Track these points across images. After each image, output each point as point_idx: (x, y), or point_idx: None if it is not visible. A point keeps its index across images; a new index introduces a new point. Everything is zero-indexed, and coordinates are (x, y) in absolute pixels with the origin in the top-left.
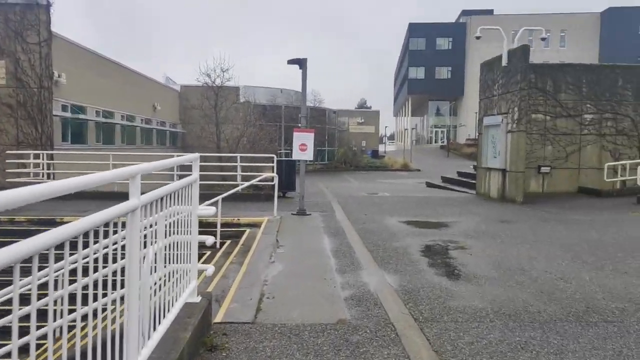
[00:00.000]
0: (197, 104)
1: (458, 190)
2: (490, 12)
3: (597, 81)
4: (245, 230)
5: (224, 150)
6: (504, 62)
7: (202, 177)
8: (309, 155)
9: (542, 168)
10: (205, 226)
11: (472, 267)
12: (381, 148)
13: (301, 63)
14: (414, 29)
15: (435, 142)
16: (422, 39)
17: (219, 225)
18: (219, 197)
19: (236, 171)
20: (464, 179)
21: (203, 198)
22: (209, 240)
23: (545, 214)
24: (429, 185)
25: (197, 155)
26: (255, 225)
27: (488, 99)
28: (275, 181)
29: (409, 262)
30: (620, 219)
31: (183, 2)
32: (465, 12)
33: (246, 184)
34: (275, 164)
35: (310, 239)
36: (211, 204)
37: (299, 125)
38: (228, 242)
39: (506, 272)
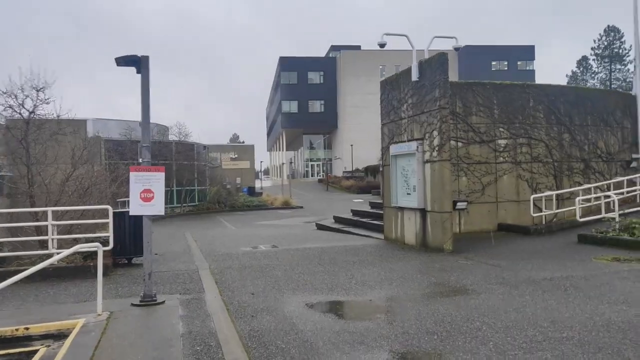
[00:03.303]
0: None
1: (359, 234)
2: (358, 47)
3: (508, 102)
4: (37, 350)
5: (40, 201)
6: (415, 76)
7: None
8: (157, 208)
9: (459, 204)
10: None
11: None
12: (257, 184)
13: (139, 63)
14: (285, 63)
15: (312, 175)
16: (293, 72)
17: None
18: None
19: (54, 232)
20: (362, 219)
21: None
22: None
23: (499, 270)
24: (320, 227)
25: None
26: (61, 334)
27: (394, 122)
28: (100, 253)
29: None
30: (592, 270)
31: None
32: (334, 47)
33: (62, 254)
34: (111, 220)
35: None
36: None
37: (139, 161)
38: None
39: None
